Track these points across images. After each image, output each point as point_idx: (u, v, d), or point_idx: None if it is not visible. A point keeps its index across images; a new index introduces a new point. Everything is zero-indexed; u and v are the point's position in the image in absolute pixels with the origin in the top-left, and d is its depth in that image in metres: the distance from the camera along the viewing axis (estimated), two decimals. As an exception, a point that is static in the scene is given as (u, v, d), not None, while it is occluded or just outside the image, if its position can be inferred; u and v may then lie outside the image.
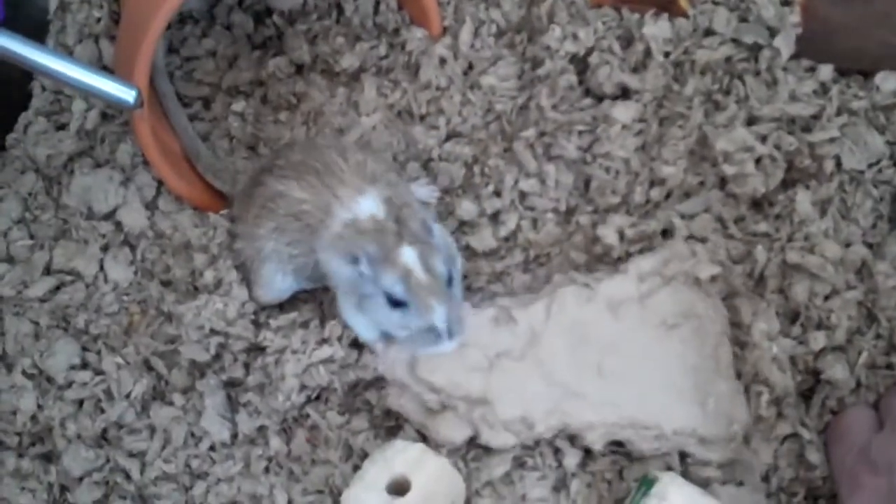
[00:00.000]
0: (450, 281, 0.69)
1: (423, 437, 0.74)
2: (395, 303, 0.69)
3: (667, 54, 0.82)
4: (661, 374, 0.72)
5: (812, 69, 0.81)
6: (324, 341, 0.77)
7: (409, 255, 0.68)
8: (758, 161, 0.76)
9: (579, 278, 0.75)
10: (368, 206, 0.71)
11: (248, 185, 0.80)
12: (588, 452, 0.73)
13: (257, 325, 0.80)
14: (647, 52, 0.83)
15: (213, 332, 0.79)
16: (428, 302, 0.68)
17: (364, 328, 0.75)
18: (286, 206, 0.75)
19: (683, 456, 0.72)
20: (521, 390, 0.72)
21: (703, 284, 0.73)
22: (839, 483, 0.68)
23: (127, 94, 0.73)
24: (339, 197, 0.72)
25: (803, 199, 0.75)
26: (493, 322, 0.74)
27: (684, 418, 0.71)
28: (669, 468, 0.71)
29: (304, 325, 0.78)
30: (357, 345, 0.77)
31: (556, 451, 0.74)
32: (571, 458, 0.73)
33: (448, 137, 0.86)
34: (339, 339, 0.76)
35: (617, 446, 0.73)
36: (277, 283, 0.79)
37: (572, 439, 0.73)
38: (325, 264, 0.73)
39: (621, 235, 0.77)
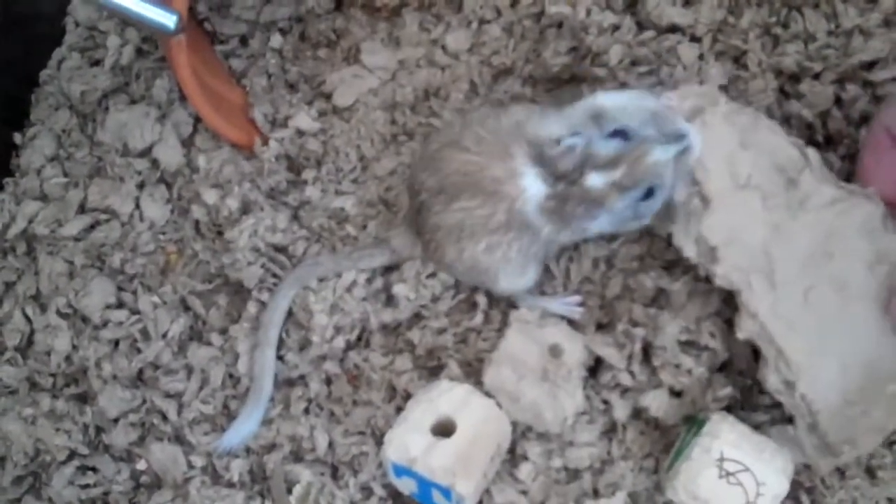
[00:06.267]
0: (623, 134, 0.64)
1: (466, 377, 0.72)
2: (650, 191, 0.64)
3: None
4: (855, 348, 0.63)
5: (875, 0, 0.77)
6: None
7: (594, 181, 0.63)
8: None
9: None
10: (534, 184, 0.65)
11: (424, 222, 0.72)
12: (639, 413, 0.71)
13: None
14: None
15: (259, 251, 0.79)
16: (643, 152, 0.62)
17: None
18: (481, 223, 0.68)
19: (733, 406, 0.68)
20: (737, 223, 0.65)
21: None
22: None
23: (167, 20, 0.70)
24: (509, 184, 0.66)
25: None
26: (783, 162, 0.66)
27: (821, 393, 0.63)
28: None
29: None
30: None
31: (605, 402, 0.71)
32: (621, 411, 0.70)
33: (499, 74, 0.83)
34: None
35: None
36: (526, 279, 0.72)
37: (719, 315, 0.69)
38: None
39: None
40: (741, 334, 0.65)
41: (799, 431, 0.64)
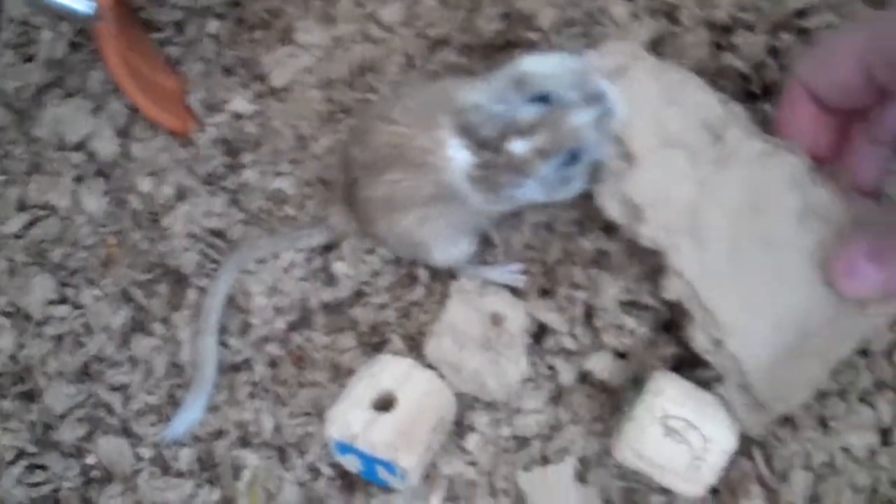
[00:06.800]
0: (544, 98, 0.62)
1: (410, 351, 0.71)
2: (574, 156, 0.62)
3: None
4: (785, 303, 0.62)
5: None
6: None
7: (517, 147, 0.61)
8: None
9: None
10: (459, 153, 0.63)
11: (355, 196, 0.71)
12: (585, 376, 0.70)
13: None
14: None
15: (195, 236, 0.78)
16: (562, 116, 0.60)
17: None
18: (409, 195, 0.67)
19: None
20: (663, 181, 0.63)
21: None
22: None
23: (85, 6, 0.69)
24: (435, 155, 0.64)
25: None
26: (709, 118, 0.64)
27: (751, 350, 0.62)
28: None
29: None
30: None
31: (551, 368, 0.70)
32: (566, 376, 0.69)
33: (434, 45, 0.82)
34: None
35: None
36: (459, 250, 0.71)
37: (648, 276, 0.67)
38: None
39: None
40: (668, 295, 0.64)
41: (729, 391, 0.63)
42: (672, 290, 0.63)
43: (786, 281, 0.62)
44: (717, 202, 0.63)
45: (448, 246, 0.70)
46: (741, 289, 0.62)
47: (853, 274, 0.59)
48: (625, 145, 0.63)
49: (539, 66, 0.64)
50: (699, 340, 0.63)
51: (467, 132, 0.63)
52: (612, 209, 0.65)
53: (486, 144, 0.62)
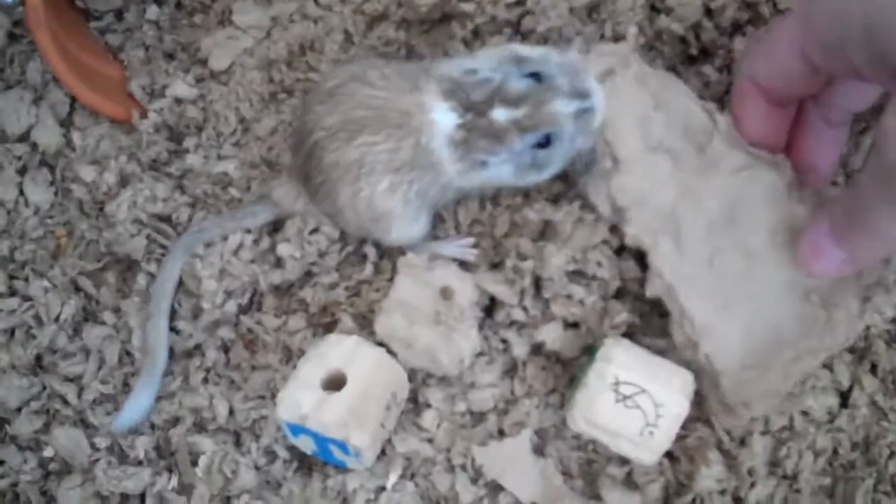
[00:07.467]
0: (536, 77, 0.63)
1: (361, 329, 0.71)
2: (547, 139, 0.63)
3: None
4: (757, 312, 0.63)
5: None
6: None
7: (499, 115, 0.62)
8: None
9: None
10: (444, 116, 0.64)
11: (317, 163, 0.69)
12: (537, 348, 0.69)
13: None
14: None
15: (141, 222, 0.78)
16: (546, 98, 0.62)
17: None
18: (384, 160, 0.66)
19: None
20: (648, 185, 0.65)
21: None
22: None
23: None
24: (417, 118, 0.65)
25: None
26: (693, 126, 0.66)
27: (724, 354, 0.63)
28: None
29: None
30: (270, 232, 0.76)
31: (503, 341, 0.70)
32: (519, 348, 0.69)
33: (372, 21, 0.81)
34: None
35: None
36: (419, 227, 0.71)
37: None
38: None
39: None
40: (649, 292, 0.65)
41: (705, 388, 0.65)
42: (653, 288, 0.65)
43: (758, 291, 0.63)
44: (698, 209, 0.64)
45: (409, 220, 0.69)
46: (717, 294, 0.63)
47: (818, 254, 0.60)
48: (612, 148, 0.65)
49: (532, 50, 0.65)
50: (678, 338, 0.64)
51: (456, 94, 0.63)
52: (603, 207, 0.67)
53: (473, 107, 0.63)
